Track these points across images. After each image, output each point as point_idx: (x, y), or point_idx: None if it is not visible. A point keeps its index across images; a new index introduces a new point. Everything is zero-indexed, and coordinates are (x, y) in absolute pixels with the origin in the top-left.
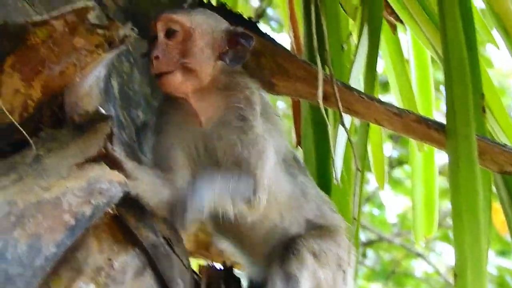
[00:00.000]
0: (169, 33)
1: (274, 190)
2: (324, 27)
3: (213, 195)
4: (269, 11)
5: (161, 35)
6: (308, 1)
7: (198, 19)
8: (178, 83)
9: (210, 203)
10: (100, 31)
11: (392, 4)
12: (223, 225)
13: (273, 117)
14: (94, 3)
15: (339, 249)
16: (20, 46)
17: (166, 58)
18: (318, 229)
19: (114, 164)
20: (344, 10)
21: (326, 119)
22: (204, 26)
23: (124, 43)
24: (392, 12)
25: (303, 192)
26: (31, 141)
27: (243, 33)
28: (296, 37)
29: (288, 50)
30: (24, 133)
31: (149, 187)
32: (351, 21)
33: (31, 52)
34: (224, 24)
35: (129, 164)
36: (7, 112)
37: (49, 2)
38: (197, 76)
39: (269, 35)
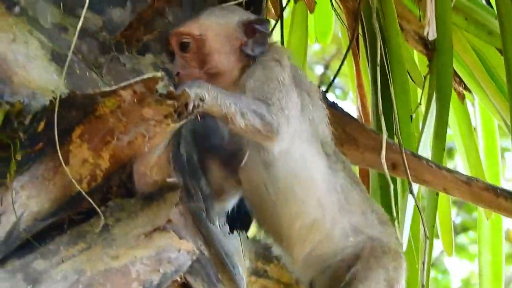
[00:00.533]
0: (183, 46)
1: (308, 164)
2: (393, 96)
3: (215, 94)
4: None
5: (176, 50)
6: (376, 70)
7: (206, 23)
8: None
9: (211, 99)
10: (169, 101)
11: (460, 73)
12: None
13: (312, 90)
14: (163, 73)
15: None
16: (88, 116)
17: (187, 71)
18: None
19: None
20: (412, 79)
21: (391, 184)
22: (214, 27)
23: (193, 113)
24: (460, 81)
25: (344, 191)
26: (99, 211)
27: (256, 19)
28: (363, 105)
29: (357, 120)
30: (92, 203)
31: None
32: (419, 90)
33: (100, 122)
34: (235, 17)
35: None
36: (75, 182)
37: (118, 72)
38: (224, 77)
39: (338, 105)
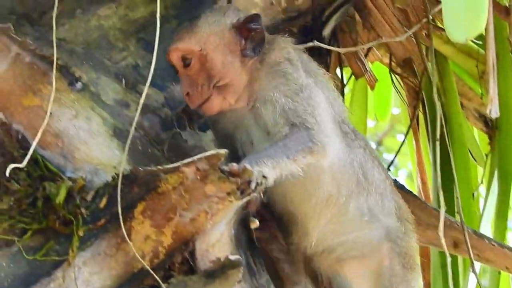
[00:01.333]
0: (186, 63)
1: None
2: (454, 174)
3: (272, 164)
4: (386, 156)
5: (179, 68)
6: (436, 147)
7: (203, 35)
8: (219, 104)
9: (272, 173)
10: (232, 179)
11: None
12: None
13: (319, 73)
14: (227, 150)
15: None
16: (151, 193)
17: (197, 90)
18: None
19: None
20: (473, 157)
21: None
22: (211, 39)
23: (256, 190)
24: None
25: (363, 167)
26: (163, 287)
27: (247, 18)
28: (423, 182)
29: (419, 198)
30: (157, 277)
31: None
32: (480, 168)
33: (162, 199)
34: (227, 21)
35: None
36: (139, 257)
37: (179, 148)
38: (234, 86)
39: (399, 182)
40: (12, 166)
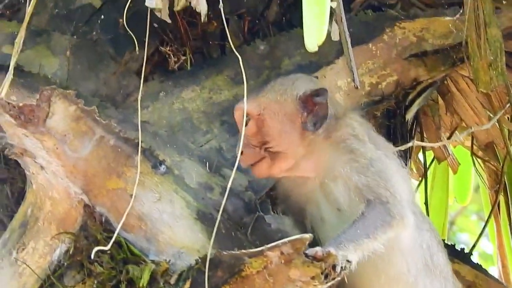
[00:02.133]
0: (246, 123)
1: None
2: None
3: (354, 246)
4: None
5: (239, 126)
6: None
7: (265, 101)
8: (268, 168)
9: (355, 255)
10: (316, 263)
11: None
12: None
13: (389, 147)
14: (311, 235)
15: None
16: (234, 277)
17: (249, 151)
18: None
19: None
20: None
21: None
22: (272, 106)
23: (341, 275)
24: None
25: (430, 249)
26: None
27: (314, 91)
28: (504, 266)
29: (501, 282)
30: None
31: None
32: None
33: (246, 283)
34: (294, 92)
35: None
36: None
37: (263, 232)
38: (287, 155)
39: (481, 266)
40: (96, 249)
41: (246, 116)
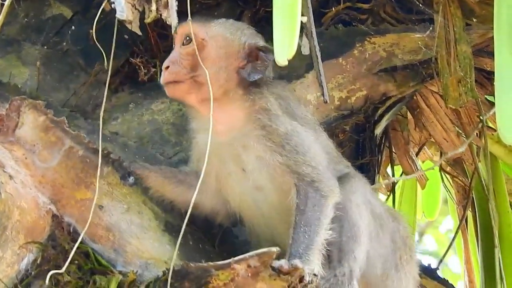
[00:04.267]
0: (184, 42)
1: None
2: (503, 273)
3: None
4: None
5: (178, 44)
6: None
7: (215, 30)
8: (184, 93)
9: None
10: (283, 276)
11: None
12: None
13: (304, 116)
14: (278, 249)
15: None
16: None
17: (176, 70)
18: None
19: None
20: None
21: None
22: (219, 38)
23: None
24: None
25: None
26: None
27: (263, 46)
28: (470, 281)
29: None
30: None
31: None
32: None
33: None
34: (244, 37)
35: None
36: None
37: (231, 244)
38: (207, 90)
39: (448, 281)
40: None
41: (189, 36)
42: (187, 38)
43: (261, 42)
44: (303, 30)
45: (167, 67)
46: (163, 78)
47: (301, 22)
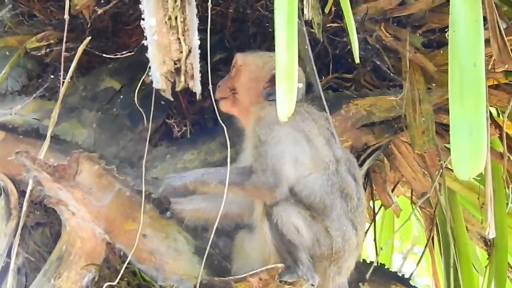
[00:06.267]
0: (231, 69)
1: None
2: (461, 282)
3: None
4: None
5: (231, 69)
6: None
7: (250, 59)
8: (228, 106)
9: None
10: (287, 286)
11: None
12: None
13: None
14: (282, 265)
15: None
16: None
17: (223, 87)
18: None
19: None
20: (475, 269)
21: None
22: (251, 65)
23: None
24: None
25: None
26: None
27: None
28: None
29: None
30: None
31: None
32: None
33: None
34: (271, 67)
35: None
36: None
37: None
38: (241, 104)
39: None
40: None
41: (234, 64)
42: (233, 65)
43: None
44: (312, 94)
45: (218, 86)
46: (216, 95)
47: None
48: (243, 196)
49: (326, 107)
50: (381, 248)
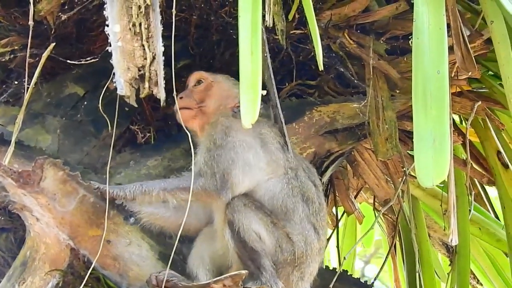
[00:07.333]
0: (197, 83)
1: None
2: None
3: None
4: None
5: (191, 84)
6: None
7: (220, 79)
8: (191, 117)
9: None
10: None
11: (475, 272)
12: None
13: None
14: (246, 271)
15: None
16: None
17: (188, 100)
18: None
19: None
20: (437, 275)
21: None
22: (223, 84)
23: None
24: (475, 277)
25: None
26: None
27: None
28: None
29: None
30: None
31: None
32: (443, 284)
33: None
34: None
35: None
36: None
37: None
38: (208, 117)
39: None
40: None
41: (201, 80)
42: (199, 81)
43: None
44: (269, 102)
45: (181, 98)
46: (178, 105)
47: (264, 95)
48: (193, 201)
49: (281, 116)
50: (344, 258)
